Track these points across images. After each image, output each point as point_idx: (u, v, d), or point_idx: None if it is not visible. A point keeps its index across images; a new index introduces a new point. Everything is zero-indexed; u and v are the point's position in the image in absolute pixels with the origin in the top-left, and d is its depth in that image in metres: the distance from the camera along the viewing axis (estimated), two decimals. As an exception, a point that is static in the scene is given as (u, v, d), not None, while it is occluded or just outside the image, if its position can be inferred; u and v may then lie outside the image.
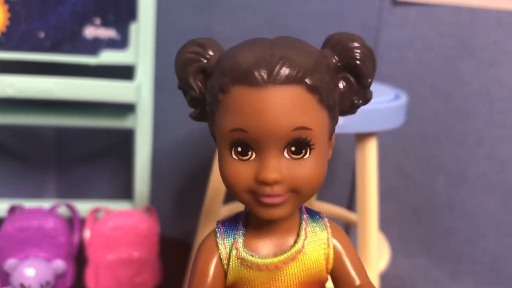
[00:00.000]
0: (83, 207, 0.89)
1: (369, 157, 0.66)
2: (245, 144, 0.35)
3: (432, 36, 0.81)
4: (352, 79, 0.37)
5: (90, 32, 0.84)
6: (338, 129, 0.60)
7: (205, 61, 0.38)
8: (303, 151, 0.35)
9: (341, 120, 0.60)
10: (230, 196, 0.77)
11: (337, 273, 0.40)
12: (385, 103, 0.64)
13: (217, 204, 0.72)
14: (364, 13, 0.84)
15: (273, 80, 0.33)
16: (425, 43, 0.82)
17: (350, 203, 0.92)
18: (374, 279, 0.68)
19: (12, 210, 0.80)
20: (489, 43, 0.79)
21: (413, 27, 0.82)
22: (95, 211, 0.82)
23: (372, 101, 0.63)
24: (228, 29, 0.90)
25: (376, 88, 0.73)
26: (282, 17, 0.88)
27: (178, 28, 0.93)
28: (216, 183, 0.71)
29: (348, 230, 0.93)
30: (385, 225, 0.88)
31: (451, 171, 0.84)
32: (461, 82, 0.81)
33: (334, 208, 0.89)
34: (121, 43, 0.85)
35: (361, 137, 0.66)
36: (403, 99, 0.68)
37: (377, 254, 0.69)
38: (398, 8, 0.82)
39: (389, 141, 0.85)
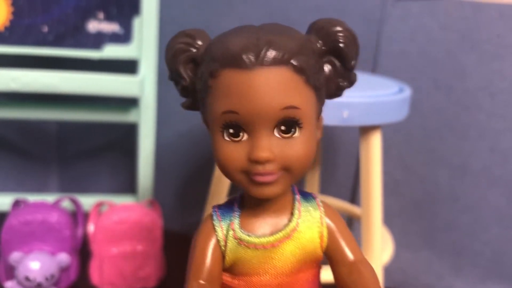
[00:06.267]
0: (87, 201, 0.90)
1: (373, 150, 0.66)
2: (237, 125, 0.36)
3: (435, 29, 0.81)
4: (336, 62, 0.39)
5: (93, 26, 0.84)
6: (342, 122, 0.61)
7: (194, 50, 0.39)
8: (293, 129, 0.36)
9: (346, 113, 0.60)
10: (234, 189, 0.77)
11: (331, 251, 0.41)
12: (389, 96, 0.64)
13: (221, 198, 0.72)
14: (366, 6, 0.84)
15: (261, 62, 0.35)
16: (427, 36, 0.82)
17: (353, 197, 0.92)
18: (378, 272, 0.68)
19: (16, 204, 0.80)
20: (492, 36, 0.79)
21: (416, 20, 0.82)
22: (99, 205, 0.82)
23: (376, 94, 0.64)
24: (230, 23, 0.90)
25: (380, 81, 0.73)
26: (283, 10, 0.88)
27: (181, 22, 0.93)
28: (220, 176, 0.71)
29: (351, 223, 0.93)
30: (388, 219, 0.88)
31: (453, 164, 0.84)
32: (464, 75, 0.81)
33: (337, 201, 0.90)
34: (124, 37, 0.85)
35: (366, 130, 0.66)
36: (407, 92, 0.68)
37: (381, 247, 0.69)
38: (401, 1, 0.82)
39: (391, 135, 0.86)
